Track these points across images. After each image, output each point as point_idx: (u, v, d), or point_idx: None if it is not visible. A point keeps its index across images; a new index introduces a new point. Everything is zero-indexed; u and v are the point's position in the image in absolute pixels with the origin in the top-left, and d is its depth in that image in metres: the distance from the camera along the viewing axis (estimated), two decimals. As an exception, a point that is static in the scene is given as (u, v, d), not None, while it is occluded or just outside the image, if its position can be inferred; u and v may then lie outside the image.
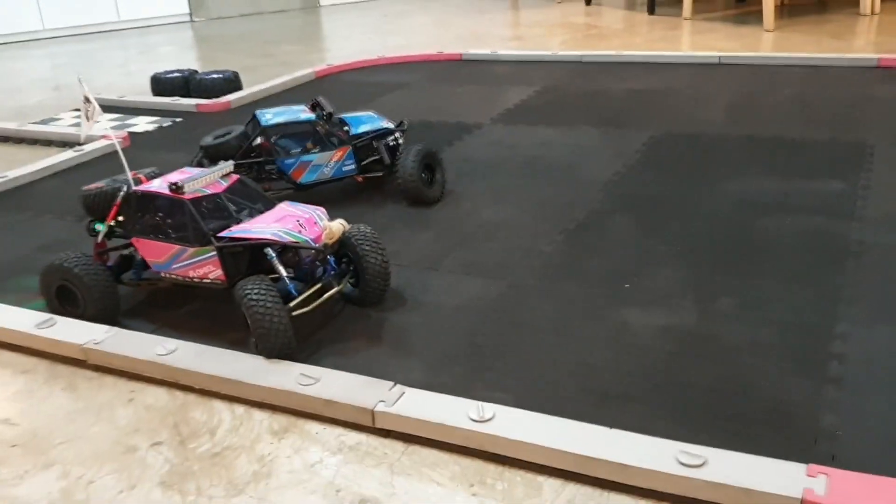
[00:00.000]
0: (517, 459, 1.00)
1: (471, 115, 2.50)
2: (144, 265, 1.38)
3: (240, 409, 1.14)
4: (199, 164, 1.80)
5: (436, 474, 0.99)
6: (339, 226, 1.29)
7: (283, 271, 1.27)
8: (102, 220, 1.41)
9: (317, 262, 1.31)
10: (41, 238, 1.76)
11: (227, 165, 1.39)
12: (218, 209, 1.32)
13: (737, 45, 3.27)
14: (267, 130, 1.77)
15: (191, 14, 5.17)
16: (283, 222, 1.29)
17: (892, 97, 2.37)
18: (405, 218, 1.74)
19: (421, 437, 1.04)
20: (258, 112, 1.83)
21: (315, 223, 1.30)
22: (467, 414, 1.03)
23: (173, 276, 1.34)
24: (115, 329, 1.28)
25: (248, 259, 1.30)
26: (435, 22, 4.51)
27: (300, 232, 1.27)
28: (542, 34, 3.90)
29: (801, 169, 1.85)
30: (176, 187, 1.30)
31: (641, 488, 0.93)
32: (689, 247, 1.51)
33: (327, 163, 1.79)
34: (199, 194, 1.31)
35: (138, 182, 1.40)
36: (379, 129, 1.84)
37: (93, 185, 1.49)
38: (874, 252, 1.43)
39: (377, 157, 1.84)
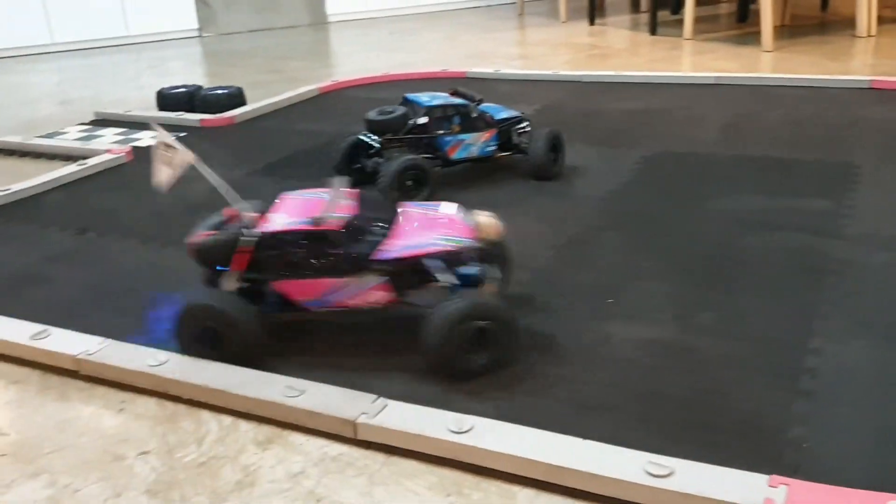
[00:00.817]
0: (493, 470, 1.02)
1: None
2: (279, 297, 1.27)
3: (227, 419, 1.17)
4: (359, 142, 2.04)
5: (414, 484, 1.02)
6: (488, 219, 1.30)
7: (453, 279, 1.23)
8: (223, 267, 1.27)
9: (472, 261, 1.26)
10: (47, 250, 1.80)
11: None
12: (360, 231, 1.25)
13: (735, 66, 3.31)
14: (432, 110, 1.98)
15: (200, 29, 5.25)
16: (433, 230, 1.27)
17: (883, 118, 2.40)
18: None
19: (401, 448, 1.07)
20: (412, 95, 2.07)
21: (457, 222, 1.29)
22: (447, 426, 1.06)
23: (328, 309, 1.26)
24: (110, 340, 1.32)
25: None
26: (442, 39, 4.56)
27: (454, 235, 1.25)
28: (547, 53, 3.94)
29: (788, 188, 1.88)
30: (318, 220, 1.24)
31: (610, 497, 0.96)
32: (675, 262, 1.54)
33: (476, 142, 2.02)
34: (342, 221, 1.24)
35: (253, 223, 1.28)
36: (515, 117, 2.09)
37: (202, 234, 1.33)
38: (853, 270, 1.46)
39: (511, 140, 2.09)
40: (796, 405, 1.09)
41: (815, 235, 1.60)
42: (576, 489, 0.97)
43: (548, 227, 1.75)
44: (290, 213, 1.29)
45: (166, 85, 3.17)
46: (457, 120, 2.01)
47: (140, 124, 2.90)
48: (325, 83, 3.30)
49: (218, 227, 1.34)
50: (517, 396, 1.15)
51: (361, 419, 1.09)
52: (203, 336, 1.24)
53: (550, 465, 0.98)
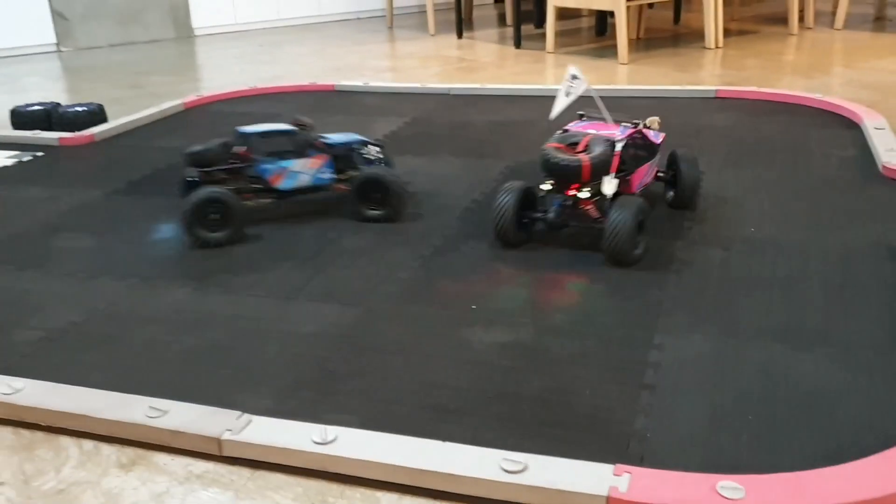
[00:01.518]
0: (357, 477, 1.05)
1: (338, 145, 2.56)
2: None
3: (88, 444, 1.15)
4: (185, 174, 1.88)
5: (279, 496, 1.03)
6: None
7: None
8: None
9: None
10: None
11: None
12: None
13: (593, 78, 3.46)
14: (248, 138, 1.88)
15: (58, 44, 5.04)
16: None
17: (725, 126, 2.58)
18: (266, 248, 1.78)
19: (267, 462, 1.09)
20: (239, 127, 1.94)
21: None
22: (311, 437, 1.08)
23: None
24: (-40, 371, 1.27)
25: None
26: (310, 52, 4.56)
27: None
28: (416, 66, 4.00)
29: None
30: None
31: (471, 496, 1.00)
32: (532, 267, 1.61)
33: (305, 169, 1.89)
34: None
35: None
36: (356, 141, 1.96)
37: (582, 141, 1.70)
38: (693, 268, 1.57)
39: (356, 169, 1.94)
40: (641, 398, 1.17)
41: (659, 238, 1.71)
42: (437, 490, 1.01)
43: (415, 237, 1.79)
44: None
45: (20, 102, 3.04)
46: (286, 147, 1.89)
47: (-8, 144, 2.77)
48: (190, 98, 3.24)
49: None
50: (380, 405, 1.18)
51: (226, 436, 1.09)
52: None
53: (412, 469, 1.01)
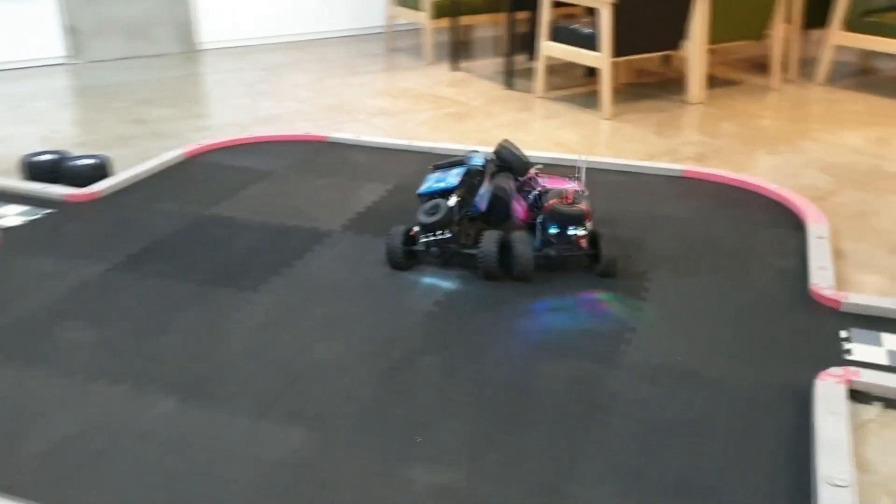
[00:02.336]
0: None
1: (322, 219, 2.76)
2: None
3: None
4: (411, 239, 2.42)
5: None
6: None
7: None
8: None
9: None
10: None
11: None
12: None
13: (574, 137, 3.65)
14: (457, 188, 2.39)
15: (68, 57, 5.22)
16: None
17: (687, 217, 2.76)
18: (248, 350, 1.99)
19: None
20: (424, 189, 2.43)
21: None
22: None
23: None
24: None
25: None
26: (309, 83, 4.73)
27: None
28: (408, 108, 4.19)
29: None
30: None
31: None
32: (482, 393, 1.82)
33: (486, 188, 2.48)
34: None
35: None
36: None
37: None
38: (620, 405, 1.78)
39: None
40: (546, 556, 1.38)
41: (595, 363, 1.92)
42: None
43: (377, 346, 2.00)
44: None
45: (30, 137, 3.24)
46: (472, 181, 2.47)
47: (6, 195, 2.97)
48: (191, 147, 3.44)
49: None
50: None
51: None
52: None
53: None
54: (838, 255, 2.52)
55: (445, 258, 2.40)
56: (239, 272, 2.39)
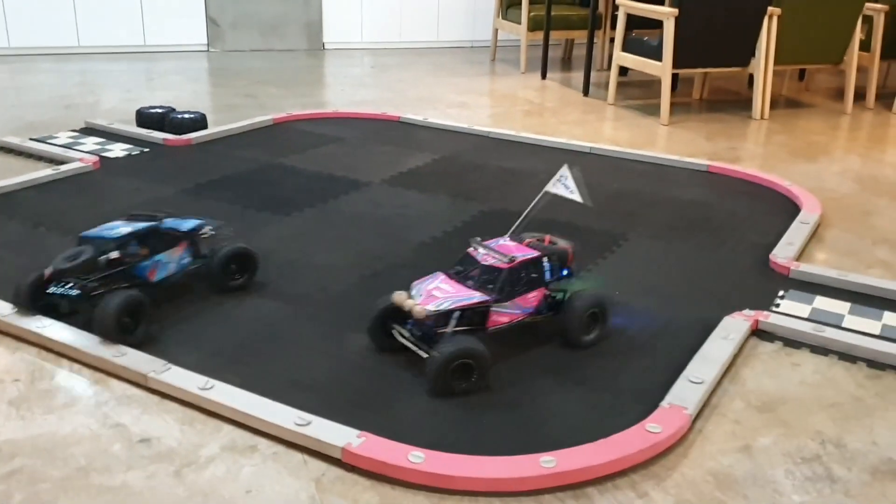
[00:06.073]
0: (221, 412, 1.65)
1: (369, 174, 3.17)
2: None
3: (78, 365, 1.80)
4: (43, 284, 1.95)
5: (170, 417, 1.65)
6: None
7: None
8: None
9: None
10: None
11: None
12: None
13: (625, 135, 3.90)
14: (121, 243, 1.96)
15: (209, 45, 5.94)
16: None
17: (690, 199, 2.98)
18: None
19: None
20: (89, 233, 2.00)
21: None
22: None
23: None
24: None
25: None
26: (409, 78, 5.20)
27: None
28: (484, 104, 4.56)
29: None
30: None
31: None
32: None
33: (172, 259, 2.06)
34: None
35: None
36: (199, 225, 2.15)
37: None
38: (546, 317, 2.05)
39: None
40: None
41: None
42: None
43: (366, 260, 2.37)
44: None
45: (157, 100, 3.85)
46: (146, 242, 2.01)
47: (118, 136, 3.57)
48: (280, 115, 3.95)
49: None
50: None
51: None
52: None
53: None
54: (820, 239, 2.67)
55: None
56: (279, 203, 2.82)
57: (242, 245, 2.15)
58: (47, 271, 1.94)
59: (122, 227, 2.00)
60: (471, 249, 1.89)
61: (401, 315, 1.81)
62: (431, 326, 1.74)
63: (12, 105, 4.16)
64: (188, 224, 2.13)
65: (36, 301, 1.94)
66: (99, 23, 5.58)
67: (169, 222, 2.09)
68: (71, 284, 1.92)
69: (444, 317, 1.73)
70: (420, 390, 1.71)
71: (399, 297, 1.78)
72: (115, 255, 1.94)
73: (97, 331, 1.84)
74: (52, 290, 1.93)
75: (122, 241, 1.96)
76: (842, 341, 1.94)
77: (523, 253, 1.86)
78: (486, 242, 1.91)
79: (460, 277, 1.84)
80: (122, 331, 1.84)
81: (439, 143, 3.64)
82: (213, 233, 2.18)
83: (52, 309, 1.95)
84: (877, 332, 2.02)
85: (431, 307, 1.72)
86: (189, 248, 2.12)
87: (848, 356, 1.92)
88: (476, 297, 1.77)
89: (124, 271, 1.97)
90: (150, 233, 2.02)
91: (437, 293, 1.76)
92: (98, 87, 4.62)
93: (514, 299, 1.82)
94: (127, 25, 5.66)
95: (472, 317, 1.78)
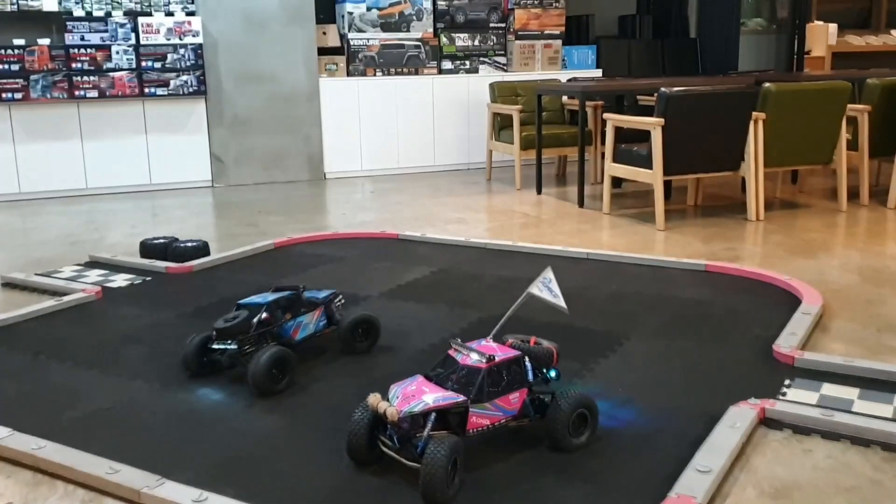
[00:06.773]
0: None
1: (367, 288, 3.19)
2: None
3: (71, 486, 1.76)
4: (207, 343, 2.31)
5: None
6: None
7: None
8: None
9: None
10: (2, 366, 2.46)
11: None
12: None
13: (621, 242, 3.93)
14: (271, 306, 2.31)
15: (213, 181, 6.10)
16: None
17: (689, 297, 2.97)
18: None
19: None
20: (244, 301, 2.38)
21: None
22: None
23: None
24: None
25: None
26: (407, 200, 5.30)
27: None
28: (482, 219, 4.63)
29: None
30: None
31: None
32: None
33: (311, 321, 2.41)
34: None
35: None
36: (332, 293, 2.52)
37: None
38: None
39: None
40: None
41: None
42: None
43: (361, 369, 2.35)
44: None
45: (160, 233, 3.91)
46: (291, 307, 2.36)
47: (121, 267, 3.62)
48: (281, 239, 4.01)
49: None
50: None
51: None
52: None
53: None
54: (824, 329, 2.64)
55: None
56: (279, 320, 2.83)
57: (368, 313, 2.49)
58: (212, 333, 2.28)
59: (270, 296, 2.36)
60: (451, 351, 1.84)
61: (384, 423, 1.71)
62: (408, 430, 1.67)
63: (20, 244, 4.23)
64: (323, 293, 2.48)
65: (201, 357, 2.28)
66: (106, 165, 5.75)
67: (308, 293, 2.45)
68: (230, 342, 2.25)
69: (420, 419, 1.67)
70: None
71: (374, 399, 1.71)
72: (264, 315, 2.28)
73: (251, 380, 2.12)
74: (214, 345, 2.27)
75: (270, 306, 2.30)
76: (853, 425, 1.89)
77: (504, 353, 1.83)
78: (467, 343, 1.86)
79: (440, 379, 1.77)
80: (272, 381, 2.14)
81: (437, 257, 3.67)
82: (343, 301, 2.55)
83: (214, 365, 2.30)
84: (889, 415, 1.97)
85: (406, 410, 1.67)
86: (324, 312, 2.45)
87: (861, 440, 1.87)
88: (451, 397, 1.71)
89: (272, 331, 2.29)
90: (293, 300, 2.37)
91: (412, 395, 1.71)
92: (103, 225, 4.72)
93: (494, 400, 1.76)
94: (133, 167, 5.83)
95: (451, 419, 1.71)
